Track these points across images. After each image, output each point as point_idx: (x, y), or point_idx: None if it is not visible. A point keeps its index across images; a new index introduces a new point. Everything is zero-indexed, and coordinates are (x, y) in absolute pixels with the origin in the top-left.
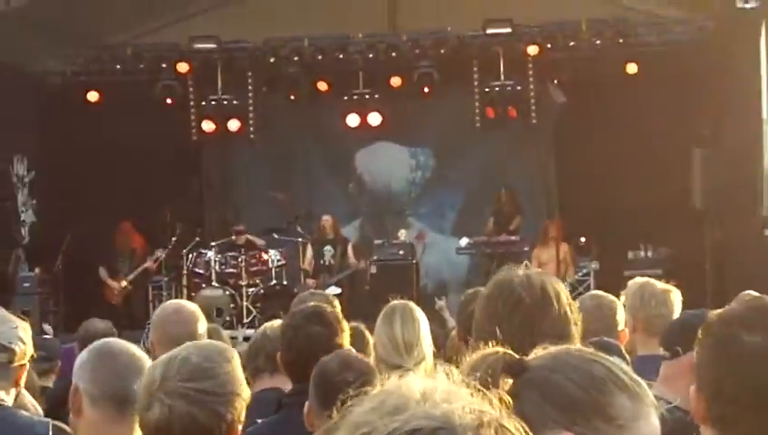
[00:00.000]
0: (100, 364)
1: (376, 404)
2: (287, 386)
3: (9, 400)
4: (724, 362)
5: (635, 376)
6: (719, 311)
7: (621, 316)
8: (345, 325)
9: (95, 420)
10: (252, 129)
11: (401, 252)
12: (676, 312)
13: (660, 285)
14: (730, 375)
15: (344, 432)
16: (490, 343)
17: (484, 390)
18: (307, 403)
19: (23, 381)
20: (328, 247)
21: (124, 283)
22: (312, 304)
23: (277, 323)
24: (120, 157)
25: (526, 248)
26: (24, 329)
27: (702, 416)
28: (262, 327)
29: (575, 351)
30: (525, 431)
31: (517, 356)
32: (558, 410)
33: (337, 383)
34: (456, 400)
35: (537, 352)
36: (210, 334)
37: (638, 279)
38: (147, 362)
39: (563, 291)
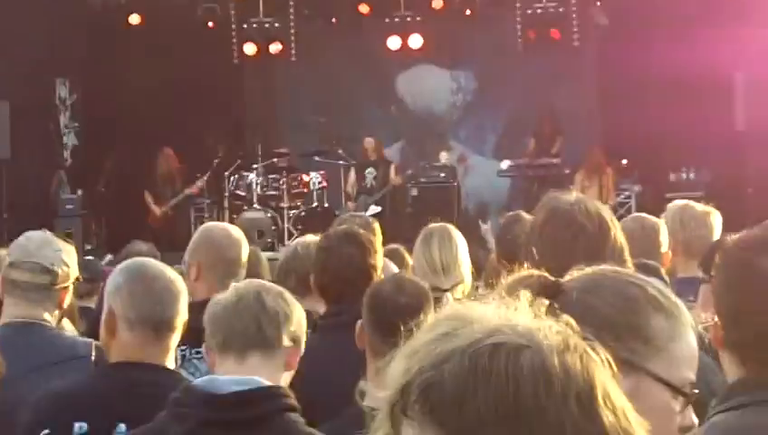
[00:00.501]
0: (136, 288)
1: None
2: (320, 309)
3: (53, 320)
4: (740, 286)
5: (672, 296)
6: (738, 235)
7: (665, 238)
8: (379, 246)
9: (131, 343)
10: (293, 52)
11: (442, 174)
12: (717, 234)
13: (700, 207)
14: (745, 300)
15: (424, 340)
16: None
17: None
18: (359, 323)
19: (66, 303)
20: (370, 169)
21: (166, 208)
22: (345, 226)
23: (309, 238)
24: (162, 80)
25: (567, 171)
26: (68, 252)
27: (720, 341)
28: (292, 245)
29: (611, 272)
30: (609, 362)
31: (552, 278)
32: (594, 332)
33: (392, 306)
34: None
35: (573, 273)
36: (249, 258)
37: (678, 201)
38: (182, 284)
39: (614, 218)
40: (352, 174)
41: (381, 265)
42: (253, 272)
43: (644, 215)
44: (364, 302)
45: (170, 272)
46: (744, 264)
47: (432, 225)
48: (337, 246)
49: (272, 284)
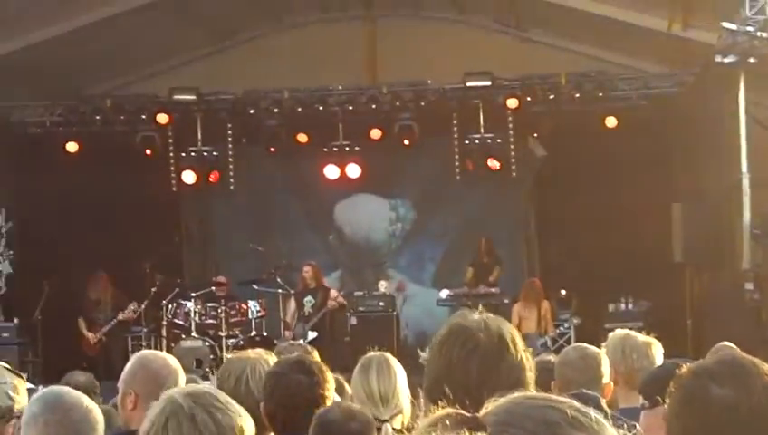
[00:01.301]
0: (52, 417)
1: None
2: None
3: None
4: (693, 414)
5: (592, 413)
6: (690, 364)
7: (606, 369)
8: (329, 376)
9: None
10: (232, 180)
11: (381, 303)
12: (658, 364)
13: (641, 337)
14: (698, 428)
15: None
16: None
17: None
18: None
19: None
20: (308, 298)
21: (99, 334)
22: (296, 353)
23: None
24: (99, 208)
25: (507, 301)
26: (14, 385)
27: None
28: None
29: (526, 399)
30: None
31: (469, 415)
32: None
33: (342, 432)
34: None
35: (488, 406)
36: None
37: (619, 331)
38: (99, 414)
39: (518, 337)
40: (292, 303)
41: (332, 395)
42: None
43: (585, 345)
44: (312, 429)
45: (87, 401)
46: (696, 392)
47: (370, 354)
48: (286, 373)
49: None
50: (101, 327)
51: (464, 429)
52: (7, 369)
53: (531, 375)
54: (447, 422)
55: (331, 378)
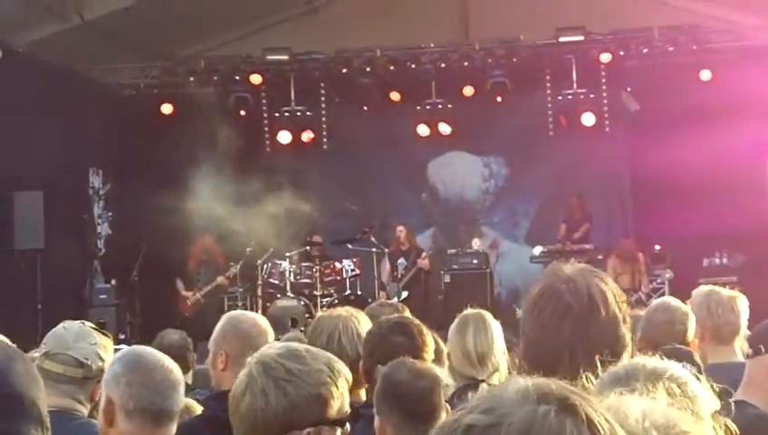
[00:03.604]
0: (135, 378)
1: None
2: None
3: (85, 411)
4: None
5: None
6: None
7: (692, 325)
8: (429, 339)
9: (130, 433)
10: (325, 139)
11: (475, 261)
12: (744, 317)
13: (726, 291)
14: None
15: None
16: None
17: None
18: (378, 419)
19: (99, 396)
20: (401, 260)
21: (198, 295)
22: (396, 315)
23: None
24: (193, 169)
25: (600, 257)
26: (105, 346)
27: None
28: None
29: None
30: None
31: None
32: None
33: (416, 393)
34: (676, 424)
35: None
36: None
37: (703, 287)
38: (179, 373)
39: (610, 290)
40: (387, 264)
41: (431, 358)
42: None
43: (671, 304)
44: (379, 389)
45: (168, 361)
46: None
47: (467, 312)
48: (387, 333)
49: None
50: (200, 288)
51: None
52: (94, 328)
53: (626, 327)
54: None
55: (430, 341)
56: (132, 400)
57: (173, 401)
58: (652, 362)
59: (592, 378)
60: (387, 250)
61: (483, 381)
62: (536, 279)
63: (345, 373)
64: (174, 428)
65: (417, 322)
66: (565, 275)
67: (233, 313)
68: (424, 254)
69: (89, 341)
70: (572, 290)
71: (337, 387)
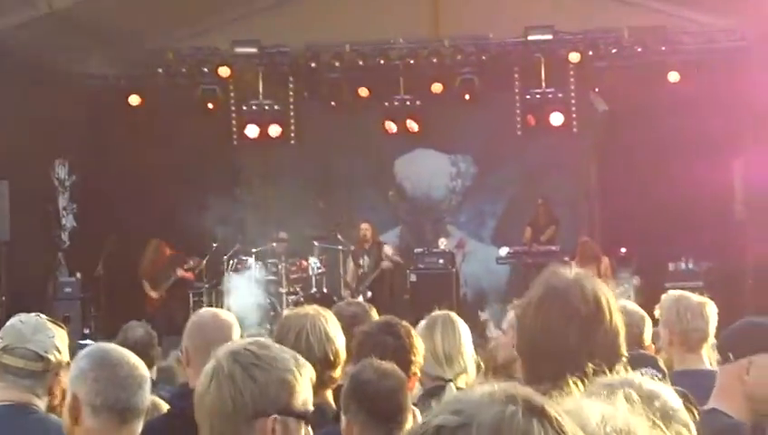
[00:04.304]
0: (101, 373)
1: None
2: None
3: (42, 405)
4: None
5: None
6: None
7: (648, 333)
8: (418, 341)
9: (95, 430)
10: (293, 134)
11: (441, 261)
12: (713, 324)
13: (696, 297)
14: None
15: None
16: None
17: (662, 424)
18: (344, 419)
19: (58, 390)
20: (365, 257)
21: (161, 292)
22: (385, 316)
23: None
24: (160, 161)
25: (566, 259)
26: (61, 338)
27: None
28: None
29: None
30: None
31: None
32: None
33: (382, 392)
34: (635, 429)
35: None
36: None
37: (673, 292)
38: (145, 370)
39: (611, 297)
40: (351, 263)
41: (420, 362)
42: None
43: (626, 304)
44: (347, 389)
45: (134, 358)
46: None
47: (435, 313)
48: (376, 332)
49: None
50: (163, 284)
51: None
52: (50, 321)
53: (623, 336)
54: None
55: (419, 343)
56: (99, 396)
57: (138, 398)
58: (650, 383)
59: (580, 385)
60: (352, 248)
61: (450, 380)
62: (537, 280)
63: (310, 370)
64: (140, 425)
65: (405, 323)
66: (571, 278)
67: (202, 309)
68: (388, 249)
69: (47, 333)
70: (580, 294)
71: (302, 377)
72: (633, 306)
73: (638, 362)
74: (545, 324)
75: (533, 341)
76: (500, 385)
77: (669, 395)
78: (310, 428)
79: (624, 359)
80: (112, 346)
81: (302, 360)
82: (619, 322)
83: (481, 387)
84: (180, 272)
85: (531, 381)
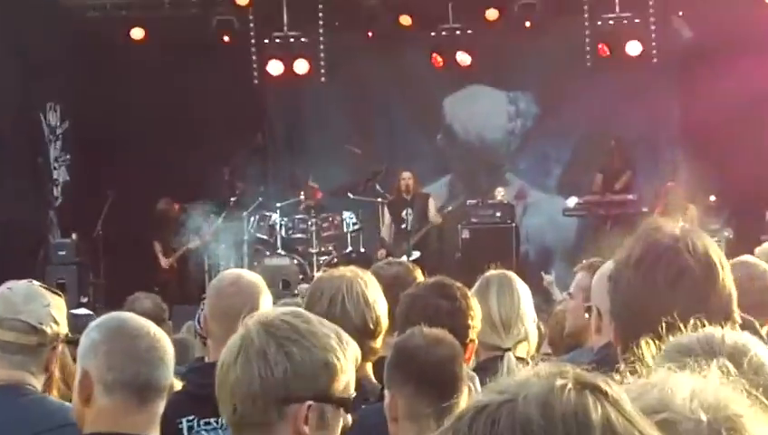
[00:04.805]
0: (116, 346)
1: (634, 395)
2: None
3: (38, 385)
4: None
5: None
6: None
7: None
8: (474, 303)
9: (110, 410)
10: (323, 71)
11: (498, 214)
12: None
13: None
14: None
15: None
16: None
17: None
18: (388, 394)
19: (55, 365)
20: (407, 210)
21: (171, 260)
22: (437, 276)
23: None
24: (168, 105)
25: (645, 209)
26: (58, 307)
27: None
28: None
29: None
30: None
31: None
32: None
33: (433, 360)
34: (728, 405)
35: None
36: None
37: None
38: (168, 342)
39: (724, 258)
40: (387, 216)
41: (478, 326)
42: None
43: (750, 260)
44: (392, 358)
45: (154, 328)
46: None
47: (490, 272)
48: (425, 295)
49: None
50: (175, 251)
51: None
52: (44, 288)
53: (735, 299)
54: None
55: (476, 306)
56: (113, 371)
57: (161, 372)
58: (733, 335)
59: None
60: (386, 200)
61: (508, 350)
62: (633, 236)
63: (355, 349)
64: (162, 406)
65: (459, 284)
66: (676, 233)
67: (225, 271)
68: (433, 202)
69: (41, 302)
70: (691, 251)
71: (347, 358)
72: (754, 262)
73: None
74: (650, 284)
75: (633, 305)
76: (549, 365)
77: (759, 349)
78: (349, 416)
79: (737, 325)
80: (130, 315)
81: (346, 337)
82: (731, 285)
83: (529, 369)
84: (191, 245)
85: (626, 350)
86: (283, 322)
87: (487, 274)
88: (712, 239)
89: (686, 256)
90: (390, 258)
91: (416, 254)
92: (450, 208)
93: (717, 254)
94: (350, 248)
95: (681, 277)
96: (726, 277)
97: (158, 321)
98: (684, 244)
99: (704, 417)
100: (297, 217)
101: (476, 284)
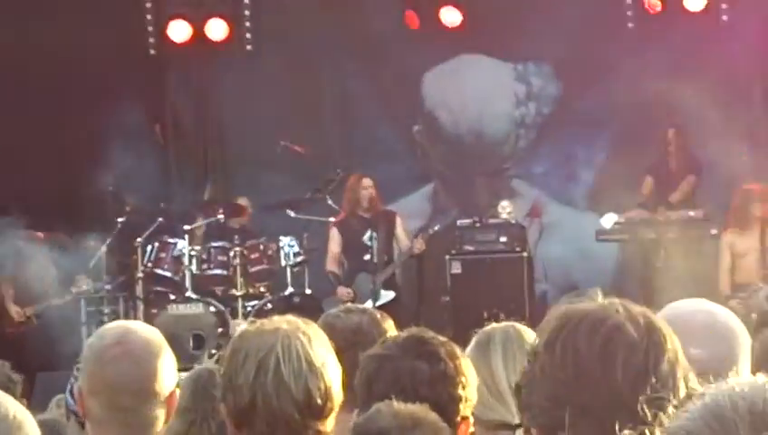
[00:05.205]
0: None
1: None
2: None
3: None
4: None
5: None
6: None
7: None
8: (466, 365)
9: None
10: (248, 36)
11: (503, 238)
12: None
13: None
14: None
15: None
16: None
17: None
18: None
19: None
20: (368, 233)
21: (30, 312)
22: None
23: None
24: (33, 82)
25: (714, 231)
26: None
27: None
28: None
29: None
30: None
31: None
32: None
33: None
34: None
35: None
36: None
37: None
38: (33, 428)
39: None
40: (336, 238)
41: (472, 398)
42: None
43: None
44: None
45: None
46: None
47: (491, 326)
48: (397, 355)
49: None
50: (34, 302)
51: None
52: None
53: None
54: None
55: (470, 370)
56: None
57: None
58: None
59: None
60: (332, 219)
61: (519, 426)
62: (547, 318)
63: None
64: None
65: (444, 339)
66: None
67: (105, 326)
68: (399, 220)
69: None
70: (624, 309)
71: None
72: None
73: None
74: (565, 362)
75: (551, 395)
76: None
77: None
78: None
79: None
80: None
81: None
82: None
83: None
84: (57, 300)
85: None
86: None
87: (488, 327)
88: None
89: (612, 317)
90: (349, 304)
91: (386, 296)
92: (432, 231)
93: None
94: (290, 289)
95: (608, 344)
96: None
97: (9, 393)
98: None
99: None
100: (214, 245)
101: (473, 340)
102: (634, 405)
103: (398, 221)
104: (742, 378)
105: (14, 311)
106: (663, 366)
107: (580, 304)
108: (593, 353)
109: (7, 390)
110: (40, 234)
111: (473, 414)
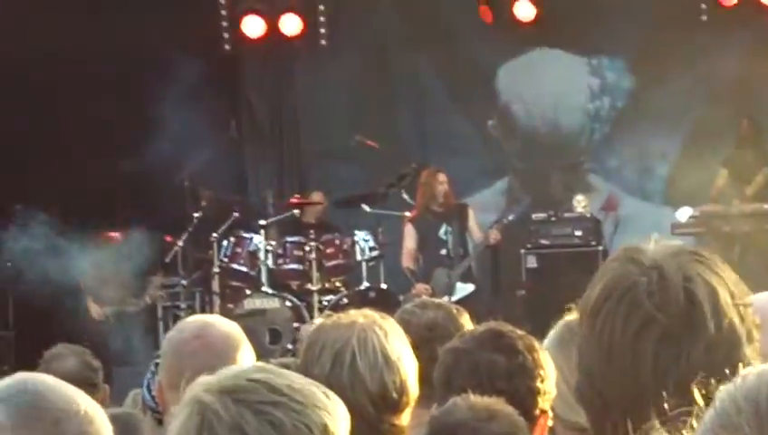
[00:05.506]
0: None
1: None
2: None
3: None
4: None
5: None
6: None
7: None
8: (544, 358)
9: None
10: (323, 31)
11: (578, 232)
12: None
13: None
14: None
15: None
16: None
17: None
18: None
19: None
20: (444, 228)
21: (108, 311)
22: (490, 323)
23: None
24: (101, 79)
25: None
26: None
27: None
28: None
29: None
30: None
31: None
32: None
33: None
34: None
35: None
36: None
37: None
38: (105, 423)
39: (725, 286)
40: (412, 234)
41: (551, 390)
42: None
43: None
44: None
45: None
46: None
47: (567, 319)
48: (474, 349)
49: None
50: (112, 304)
51: None
52: None
53: (753, 348)
54: None
55: (549, 364)
56: None
57: None
58: None
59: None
60: (407, 213)
61: None
62: (603, 268)
63: (345, 413)
64: None
65: (522, 332)
66: (648, 259)
67: (185, 320)
68: (471, 213)
69: None
70: (659, 287)
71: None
72: None
73: None
74: (605, 343)
75: (590, 371)
76: None
77: None
78: None
79: None
80: (49, 383)
81: (332, 395)
82: (738, 325)
83: None
84: (132, 306)
85: None
86: (251, 381)
87: (564, 320)
88: (713, 267)
89: (649, 299)
90: (425, 298)
91: (462, 291)
92: (507, 221)
93: (709, 290)
94: (365, 284)
95: (644, 329)
96: (725, 322)
97: (88, 385)
98: (650, 280)
99: None
100: (290, 240)
101: (551, 333)
102: (657, 394)
103: (471, 214)
104: None
105: (95, 310)
106: (696, 351)
107: (620, 273)
108: (626, 344)
109: (88, 376)
110: (116, 234)
111: (554, 410)
